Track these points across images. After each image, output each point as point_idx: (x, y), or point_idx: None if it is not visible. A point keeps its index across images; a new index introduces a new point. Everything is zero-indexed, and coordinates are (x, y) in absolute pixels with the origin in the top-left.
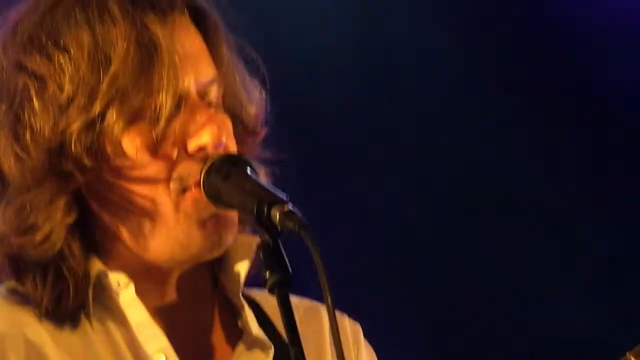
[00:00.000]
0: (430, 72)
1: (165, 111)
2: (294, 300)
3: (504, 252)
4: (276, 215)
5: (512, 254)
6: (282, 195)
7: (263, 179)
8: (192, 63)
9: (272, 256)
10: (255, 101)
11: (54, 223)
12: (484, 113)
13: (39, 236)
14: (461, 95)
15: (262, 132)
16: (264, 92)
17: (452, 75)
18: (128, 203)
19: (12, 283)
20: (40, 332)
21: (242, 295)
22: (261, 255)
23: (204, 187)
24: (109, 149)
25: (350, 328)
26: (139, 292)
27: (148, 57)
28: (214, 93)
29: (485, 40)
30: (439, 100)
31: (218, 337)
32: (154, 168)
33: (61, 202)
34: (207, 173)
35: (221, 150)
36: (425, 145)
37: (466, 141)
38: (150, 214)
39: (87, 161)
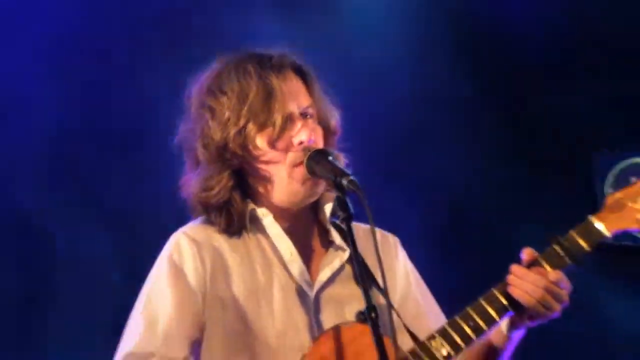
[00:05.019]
0: None
1: (279, 124)
2: (362, 225)
3: None
4: (344, 182)
5: None
6: (348, 171)
7: (340, 162)
8: (296, 97)
9: (342, 204)
10: (334, 117)
11: (222, 185)
12: None
13: (214, 192)
14: None
15: (338, 134)
16: (338, 112)
17: None
18: (263, 173)
19: (204, 217)
20: (220, 240)
21: (331, 222)
22: (336, 203)
23: (305, 166)
24: (249, 145)
25: (392, 240)
26: (275, 218)
27: (269, 95)
28: (310, 113)
29: None
30: None
31: (317, 245)
32: (275, 155)
33: (226, 173)
34: (308, 159)
35: (313, 145)
36: None
37: None
38: (275, 179)
39: (238, 152)
